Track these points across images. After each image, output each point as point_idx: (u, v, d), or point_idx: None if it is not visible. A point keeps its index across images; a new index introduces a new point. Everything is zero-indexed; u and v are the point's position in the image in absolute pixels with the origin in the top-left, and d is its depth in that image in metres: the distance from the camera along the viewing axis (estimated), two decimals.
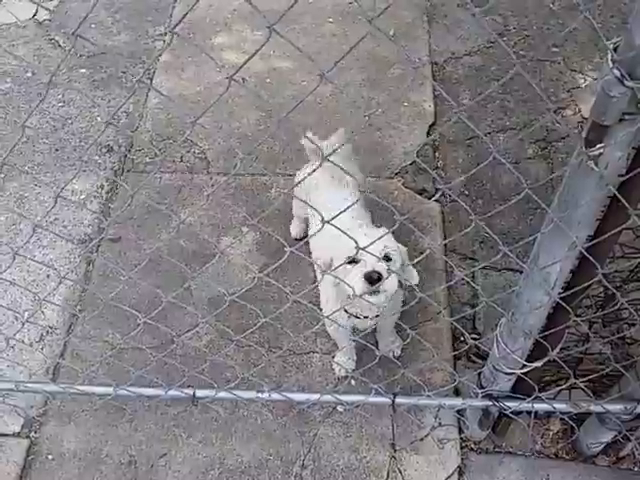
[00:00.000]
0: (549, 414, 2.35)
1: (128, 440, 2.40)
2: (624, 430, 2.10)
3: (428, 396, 2.03)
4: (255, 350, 2.58)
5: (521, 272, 2.85)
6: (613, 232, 1.37)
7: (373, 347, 1.89)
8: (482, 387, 2.05)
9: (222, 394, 2.07)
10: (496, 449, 2.34)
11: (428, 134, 3.36)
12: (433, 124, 3.40)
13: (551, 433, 2.41)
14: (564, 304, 1.61)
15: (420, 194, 3.11)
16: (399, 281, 2.07)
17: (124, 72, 3.72)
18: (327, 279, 2.07)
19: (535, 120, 3.43)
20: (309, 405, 2.36)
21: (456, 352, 2.56)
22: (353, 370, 2.51)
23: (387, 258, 1.92)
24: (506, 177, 3.17)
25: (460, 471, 2.28)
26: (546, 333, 1.73)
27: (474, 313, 2.72)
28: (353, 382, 2.50)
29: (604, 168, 1.23)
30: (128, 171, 3.25)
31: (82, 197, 3.11)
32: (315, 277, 2.70)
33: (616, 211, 1.35)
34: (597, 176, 1.26)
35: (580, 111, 3.48)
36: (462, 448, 2.33)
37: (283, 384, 2.50)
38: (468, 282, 2.75)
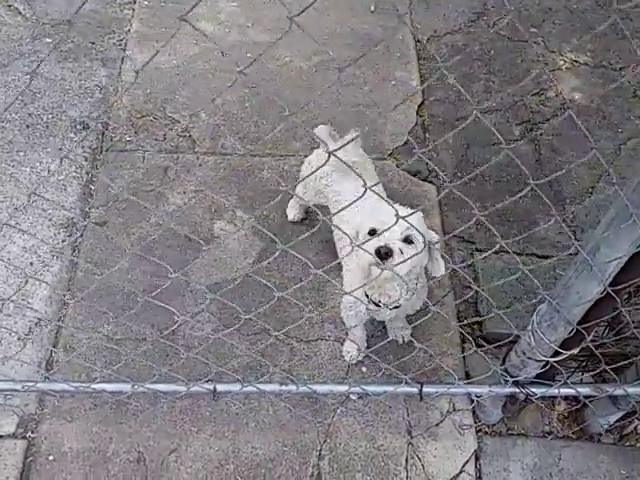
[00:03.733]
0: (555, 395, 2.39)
1: (135, 436, 2.29)
2: (638, 410, 2.17)
3: (457, 385, 2.03)
4: (260, 338, 2.51)
5: (519, 254, 2.91)
6: None
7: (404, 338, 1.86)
8: (508, 373, 2.06)
9: (245, 388, 2.00)
10: (509, 431, 2.37)
11: (417, 114, 3.32)
12: (422, 103, 3.36)
13: (556, 413, 2.46)
14: (615, 296, 1.62)
15: (414, 175, 3.07)
16: (426, 268, 2.05)
17: (93, 43, 3.48)
18: (354, 263, 2.04)
19: (520, 101, 3.45)
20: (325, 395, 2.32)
21: (470, 346, 2.55)
22: (364, 357, 2.48)
23: (409, 240, 1.88)
24: (496, 158, 3.18)
25: (476, 455, 2.30)
26: (591, 323, 1.74)
27: (476, 295, 2.74)
28: (364, 369, 2.47)
29: None
30: (107, 150, 3.06)
31: (60, 178, 2.91)
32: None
33: None
34: None
35: (562, 92, 3.52)
36: (477, 432, 2.35)
37: (293, 372, 2.44)
38: (470, 265, 2.77)
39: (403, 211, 1.96)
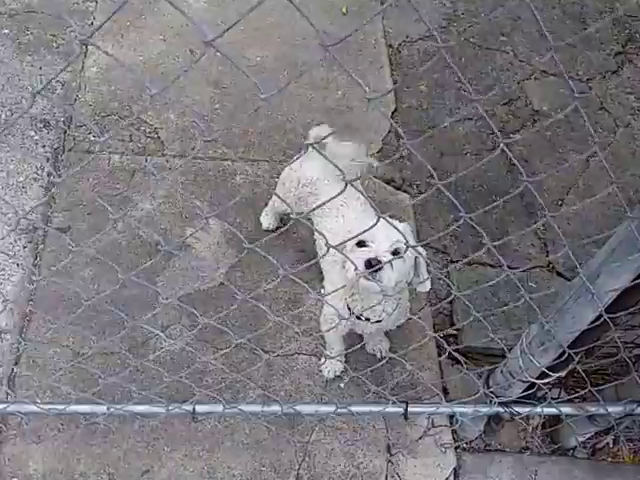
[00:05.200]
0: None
1: (104, 457, 2.18)
2: (616, 427, 2.19)
3: (443, 404, 2.00)
4: (235, 353, 2.43)
5: (492, 266, 2.92)
6: None
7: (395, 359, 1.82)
8: (493, 394, 2.04)
9: (227, 410, 1.92)
10: (487, 447, 2.37)
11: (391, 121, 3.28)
12: (395, 110, 3.33)
13: (531, 428, 2.47)
14: (610, 322, 1.62)
15: (388, 184, 3.04)
16: (408, 284, 2.01)
17: (54, 35, 3.31)
18: (338, 273, 1.99)
19: (490, 111, 3.46)
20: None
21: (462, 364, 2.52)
22: (342, 372, 2.43)
23: (397, 253, 1.84)
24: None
25: (455, 472, 2.29)
26: (582, 347, 1.74)
27: (451, 309, 2.72)
28: (342, 384, 2.42)
29: None
30: (70, 150, 2.91)
31: (20, 180, 2.75)
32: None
33: None
34: None
35: (531, 103, 3.55)
36: (455, 448, 2.34)
37: (270, 388, 2.37)
38: (445, 279, 2.75)
39: (394, 222, 1.93)
